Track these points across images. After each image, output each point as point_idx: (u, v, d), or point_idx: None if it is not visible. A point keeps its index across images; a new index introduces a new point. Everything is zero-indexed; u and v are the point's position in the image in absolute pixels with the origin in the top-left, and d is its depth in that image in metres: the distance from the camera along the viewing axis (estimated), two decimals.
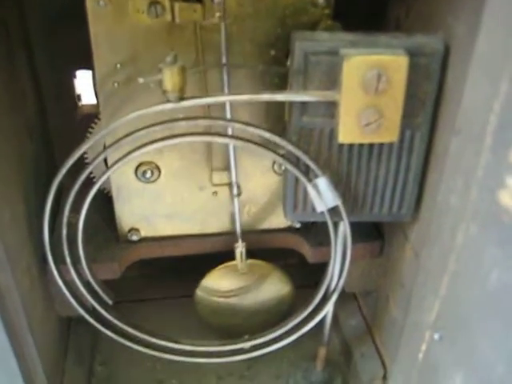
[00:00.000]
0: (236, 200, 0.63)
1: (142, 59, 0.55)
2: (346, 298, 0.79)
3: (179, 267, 0.79)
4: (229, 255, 0.66)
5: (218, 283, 0.69)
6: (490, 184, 0.42)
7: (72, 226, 0.56)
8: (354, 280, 0.70)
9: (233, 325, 0.72)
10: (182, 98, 0.48)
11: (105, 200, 0.66)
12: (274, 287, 0.71)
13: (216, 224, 0.67)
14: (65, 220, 0.55)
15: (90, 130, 0.63)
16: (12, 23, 0.59)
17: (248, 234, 0.67)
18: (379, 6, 0.64)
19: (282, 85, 0.57)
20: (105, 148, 0.53)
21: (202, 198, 0.65)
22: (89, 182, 0.55)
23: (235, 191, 0.62)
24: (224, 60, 0.53)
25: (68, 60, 0.66)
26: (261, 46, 0.56)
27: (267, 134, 0.51)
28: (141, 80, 0.47)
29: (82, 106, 0.71)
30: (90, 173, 0.56)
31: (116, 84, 0.56)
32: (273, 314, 0.72)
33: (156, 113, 0.49)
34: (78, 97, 0.70)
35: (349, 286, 0.70)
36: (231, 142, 0.55)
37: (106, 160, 0.60)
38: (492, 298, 0.43)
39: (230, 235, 0.66)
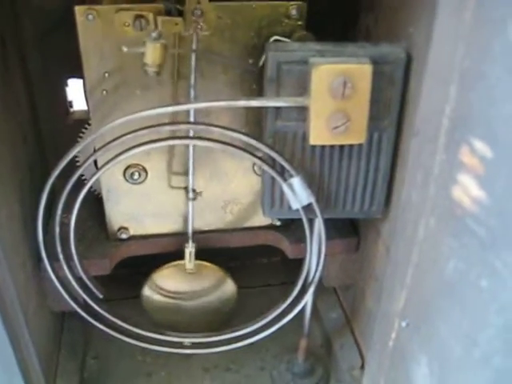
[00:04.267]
0: (190, 203, 0.66)
1: (128, 68, 0.59)
2: (326, 291, 0.83)
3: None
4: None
5: (165, 281, 0.72)
6: (444, 180, 0.46)
7: (65, 225, 0.60)
8: (332, 274, 0.74)
9: (177, 322, 0.74)
10: (164, 105, 0.52)
11: (95, 200, 0.70)
12: (218, 288, 0.74)
13: (199, 221, 0.71)
14: (57, 219, 0.58)
15: (81, 134, 0.67)
16: (8, 34, 0.63)
17: (231, 232, 0.71)
18: (352, 15, 0.68)
19: (260, 90, 0.61)
20: (95, 151, 0.57)
21: (181, 199, 0.68)
22: (80, 184, 0.59)
23: (191, 195, 0.65)
24: (193, 70, 0.57)
25: (60, 69, 0.70)
26: (239, 55, 0.60)
27: (245, 138, 0.55)
28: (125, 49, 0.51)
29: (74, 111, 0.74)
30: (81, 174, 0.60)
31: (105, 92, 0.60)
32: (216, 314, 0.75)
33: (142, 117, 0.53)
34: (70, 103, 0.74)
35: (327, 280, 0.74)
36: (211, 145, 0.59)
37: (95, 162, 0.64)
38: (449, 286, 0.47)
39: (206, 233, 0.70)
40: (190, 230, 0.67)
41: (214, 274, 0.73)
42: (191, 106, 0.53)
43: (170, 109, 0.52)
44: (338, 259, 0.73)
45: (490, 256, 0.42)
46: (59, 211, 0.58)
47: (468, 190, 0.44)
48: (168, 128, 0.55)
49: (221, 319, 0.75)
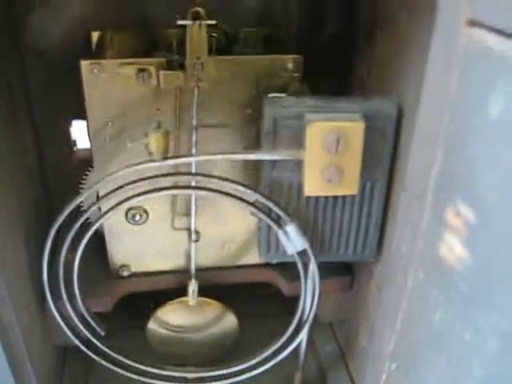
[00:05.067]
0: (193, 245, 0.69)
1: (130, 117, 0.62)
2: (322, 325, 0.85)
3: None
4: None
5: (169, 316, 0.74)
6: (431, 237, 0.49)
7: (68, 263, 0.63)
8: (327, 311, 0.76)
9: (180, 355, 0.76)
10: (165, 158, 0.54)
11: (98, 238, 0.73)
12: (220, 323, 0.76)
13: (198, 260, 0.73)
14: (61, 262, 0.61)
15: (85, 175, 0.70)
16: (15, 83, 0.66)
17: (228, 269, 0.73)
18: (348, 65, 0.71)
19: (258, 140, 0.63)
20: (98, 198, 0.60)
21: (181, 239, 0.71)
22: (83, 223, 0.61)
23: (194, 237, 0.68)
24: (194, 122, 0.60)
25: (64, 111, 0.72)
26: (238, 106, 0.63)
27: (242, 188, 0.57)
28: (129, 144, 0.54)
29: (78, 150, 0.77)
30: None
31: (108, 138, 0.63)
32: (218, 348, 0.77)
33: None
34: (74, 142, 0.77)
35: (322, 316, 0.76)
36: (211, 196, 0.61)
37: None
38: (436, 336, 0.49)
39: (206, 271, 0.73)
40: (192, 270, 0.70)
41: (215, 309, 0.75)
42: (191, 160, 0.56)
43: (171, 162, 0.54)
44: (332, 297, 0.75)
45: (473, 312, 0.44)
46: (63, 255, 0.61)
47: (453, 248, 0.46)
48: (169, 178, 0.57)
49: (224, 351, 0.77)
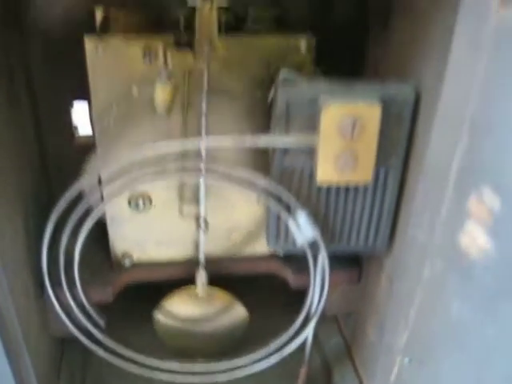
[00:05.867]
0: (202, 233, 0.66)
1: (135, 100, 0.59)
2: (327, 318, 0.83)
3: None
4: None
5: (177, 306, 0.72)
6: (451, 226, 0.47)
7: (69, 250, 0.60)
8: (333, 303, 0.74)
9: (189, 347, 0.75)
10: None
11: (99, 226, 0.70)
12: (229, 314, 0.74)
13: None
14: (62, 249, 0.58)
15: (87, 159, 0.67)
16: (16, 65, 0.63)
17: (234, 260, 0.71)
18: (360, 47, 0.68)
19: (268, 122, 0.61)
20: (100, 182, 0.57)
21: (188, 227, 0.69)
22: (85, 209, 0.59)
23: (203, 226, 0.66)
24: (204, 106, 0.57)
25: (65, 91, 0.69)
26: (247, 87, 0.60)
27: (252, 176, 0.55)
28: (135, 90, 0.51)
29: (79, 137, 0.74)
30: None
31: (112, 121, 0.60)
32: (227, 339, 0.75)
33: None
34: (75, 128, 0.74)
35: (329, 308, 0.74)
36: (219, 182, 0.59)
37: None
38: (453, 329, 0.48)
39: (211, 260, 0.70)
40: (201, 259, 0.68)
41: (223, 299, 0.73)
42: (199, 144, 0.53)
43: (178, 145, 0.52)
44: (339, 289, 0.73)
45: (497, 305, 0.42)
46: (64, 241, 0.58)
47: (475, 238, 0.44)
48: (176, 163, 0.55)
49: (233, 343, 0.75)
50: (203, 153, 0.55)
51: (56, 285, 0.62)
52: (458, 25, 0.44)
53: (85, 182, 0.56)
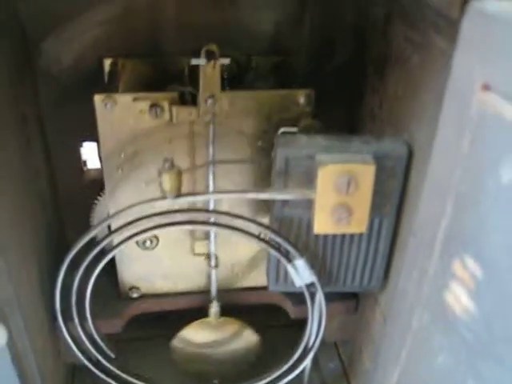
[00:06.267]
0: (213, 271, 0.71)
1: (143, 150, 0.62)
2: (326, 342, 0.87)
3: None
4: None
5: (193, 335, 0.77)
6: (438, 284, 0.50)
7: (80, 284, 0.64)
8: (332, 332, 0.77)
9: (205, 372, 0.79)
10: (177, 196, 0.55)
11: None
12: (242, 340, 0.78)
13: (205, 282, 0.75)
14: (74, 290, 0.62)
15: (96, 199, 0.71)
16: (29, 110, 0.66)
17: (237, 291, 0.75)
18: (358, 95, 0.71)
19: (269, 171, 0.64)
20: (110, 232, 0.61)
21: (194, 262, 0.72)
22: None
23: (213, 263, 0.70)
24: (210, 158, 0.60)
25: (76, 134, 0.73)
26: (249, 138, 0.63)
27: (253, 224, 0.58)
28: (143, 184, 0.55)
29: (88, 170, 0.78)
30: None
31: (120, 170, 0.64)
32: (242, 362, 0.79)
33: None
34: (84, 163, 0.77)
35: (327, 336, 0.77)
36: (223, 232, 0.62)
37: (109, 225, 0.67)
38: (438, 378, 0.51)
39: (219, 292, 0.74)
40: (213, 292, 0.73)
41: (235, 325, 0.78)
42: (205, 198, 0.57)
43: (181, 201, 0.55)
44: (337, 319, 0.77)
45: (477, 361, 0.45)
46: (76, 283, 0.62)
47: (459, 297, 0.47)
48: (180, 214, 0.58)
49: (248, 365, 0.79)
50: (211, 205, 0.59)
51: (68, 320, 0.66)
52: (446, 101, 0.47)
53: (96, 231, 0.59)
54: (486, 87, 0.42)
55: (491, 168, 0.41)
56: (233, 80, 0.65)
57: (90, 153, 0.77)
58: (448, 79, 0.46)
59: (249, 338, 0.78)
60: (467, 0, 0.42)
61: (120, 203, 0.64)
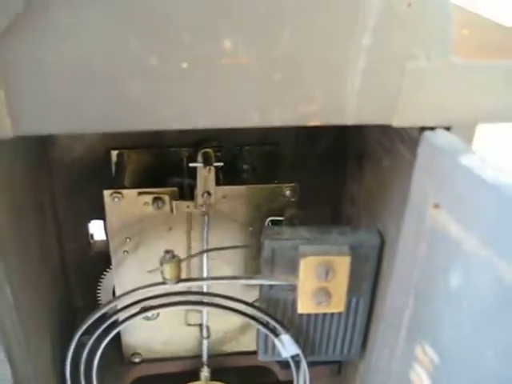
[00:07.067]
0: (205, 341, 0.79)
1: (147, 235, 0.70)
2: None
3: None
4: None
5: None
6: (405, 364, 0.57)
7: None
8: None
9: None
10: (177, 282, 0.63)
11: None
12: None
13: (198, 347, 0.82)
14: (82, 368, 0.69)
15: (103, 275, 0.79)
16: (46, 200, 0.74)
17: (228, 355, 0.82)
18: (340, 180, 0.80)
19: (258, 251, 0.72)
20: (115, 312, 0.68)
21: (189, 330, 0.80)
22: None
23: (205, 334, 0.78)
24: (205, 247, 0.68)
25: (85, 214, 0.81)
26: (241, 224, 0.71)
27: (243, 306, 0.66)
28: (147, 271, 0.62)
29: (95, 242, 0.85)
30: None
31: (126, 252, 0.71)
32: None
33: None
34: (91, 236, 0.85)
35: None
36: (216, 311, 0.70)
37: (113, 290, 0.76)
38: None
39: (213, 357, 0.81)
40: (204, 357, 0.80)
41: None
42: (202, 283, 0.64)
43: (180, 286, 0.63)
44: (322, 381, 0.84)
45: None
46: (84, 357, 0.69)
47: (421, 377, 0.54)
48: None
49: None
50: (205, 288, 0.67)
51: None
52: (407, 212, 0.55)
53: (103, 311, 0.66)
54: (437, 206, 0.50)
55: (442, 273, 0.49)
56: (227, 168, 0.73)
57: (96, 227, 0.85)
58: (408, 195, 0.55)
59: None
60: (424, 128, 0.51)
61: (125, 279, 0.73)
